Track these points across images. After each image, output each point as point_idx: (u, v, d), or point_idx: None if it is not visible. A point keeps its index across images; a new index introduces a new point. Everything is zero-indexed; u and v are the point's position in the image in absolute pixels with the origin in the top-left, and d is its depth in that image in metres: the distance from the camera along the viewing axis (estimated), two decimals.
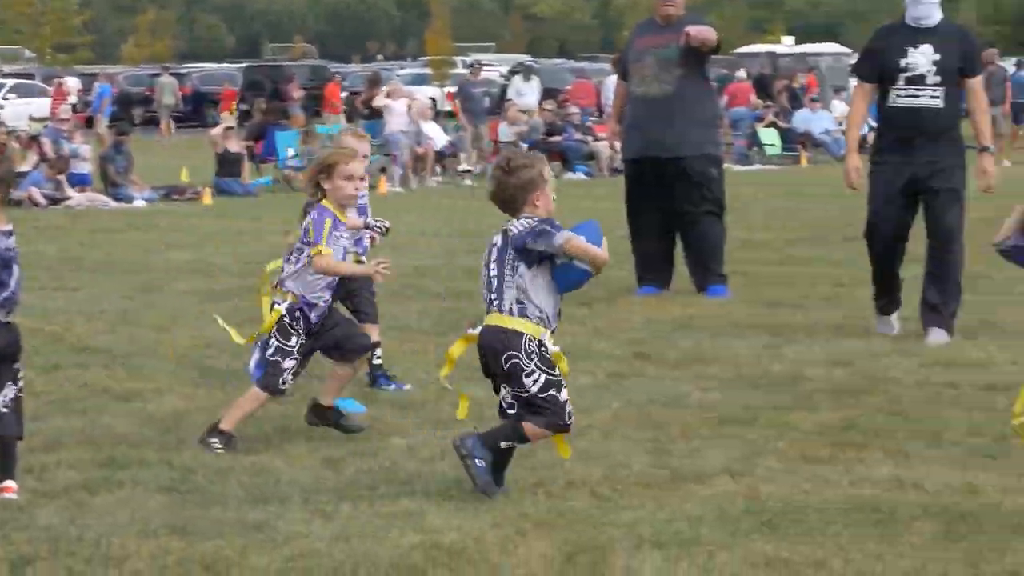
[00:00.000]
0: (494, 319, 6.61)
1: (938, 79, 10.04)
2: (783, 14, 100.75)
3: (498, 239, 6.69)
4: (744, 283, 13.16)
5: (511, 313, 6.55)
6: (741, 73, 42.33)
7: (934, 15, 10.22)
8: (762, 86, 40.78)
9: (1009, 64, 40.31)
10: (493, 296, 6.63)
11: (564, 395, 6.56)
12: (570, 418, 6.60)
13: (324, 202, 7.61)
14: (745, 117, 36.25)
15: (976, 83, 10.28)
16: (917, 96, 10.05)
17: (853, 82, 11.80)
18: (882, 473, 6.89)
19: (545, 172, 6.73)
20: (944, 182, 10.09)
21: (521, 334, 6.52)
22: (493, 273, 6.63)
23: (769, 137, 34.88)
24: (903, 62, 10.10)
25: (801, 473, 6.93)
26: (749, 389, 8.83)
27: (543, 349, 6.53)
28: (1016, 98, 32.89)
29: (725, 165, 13.90)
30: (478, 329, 6.66)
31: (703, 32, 12.10)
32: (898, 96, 10.14)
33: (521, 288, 6.56)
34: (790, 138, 34.94)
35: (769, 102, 38.10)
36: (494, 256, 6.65)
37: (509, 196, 6.70)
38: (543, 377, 6.50)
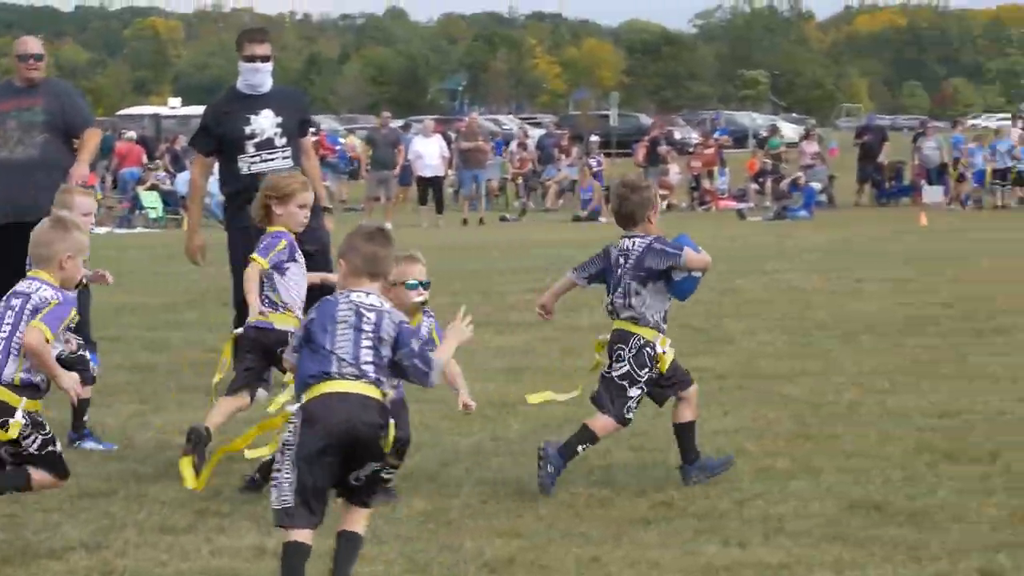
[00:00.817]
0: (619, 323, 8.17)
1: (284, 140, 10.38)
2: (169, 75, 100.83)
3: (622, 256, 8.18)
4: (116, 348, 13.11)
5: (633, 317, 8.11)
6: (131, 134, 42.06)
7: (267, 82, 10.55)
8: (145, 148, 40.75)
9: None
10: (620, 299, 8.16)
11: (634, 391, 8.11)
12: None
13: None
14: (129, 179, 36.16)
15: (307, 143, 10.74)
16: (270, 160, 10.31)
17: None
18: (245, 542, 7.04)
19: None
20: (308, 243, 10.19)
21: (638, 336, 8.11)
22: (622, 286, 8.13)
23: (151, 200, 34.87)
24: (248, 129, 10.34)
25: (160, 545, 7.00)
26: (114, 462, 8.83)
27: (648, 349, 8.06)
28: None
29: (107, 229, 13.78)
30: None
31: None
32: (251, 163, 10.35)
33: (643, 299, 8.11)
34: (173, 201, 35.08)
35: (152, 164, 38.16)
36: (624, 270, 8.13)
37: (629, 212, 8.26)
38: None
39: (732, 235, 27.76)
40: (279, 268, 8.28)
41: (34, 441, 6.65)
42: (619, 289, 8.19)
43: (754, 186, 41.33)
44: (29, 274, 6.97)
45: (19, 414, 6.57)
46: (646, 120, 65.92)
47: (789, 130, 72.56)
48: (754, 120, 79.32)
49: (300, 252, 8.48)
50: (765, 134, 51.95)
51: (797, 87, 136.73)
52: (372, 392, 5.81)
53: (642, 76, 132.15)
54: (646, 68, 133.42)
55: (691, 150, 45.68)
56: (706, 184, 40.99)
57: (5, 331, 6.64)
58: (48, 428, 6.74)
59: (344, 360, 5.80)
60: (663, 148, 41.84)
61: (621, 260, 8.21)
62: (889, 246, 25.17)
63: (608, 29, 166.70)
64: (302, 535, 5.74)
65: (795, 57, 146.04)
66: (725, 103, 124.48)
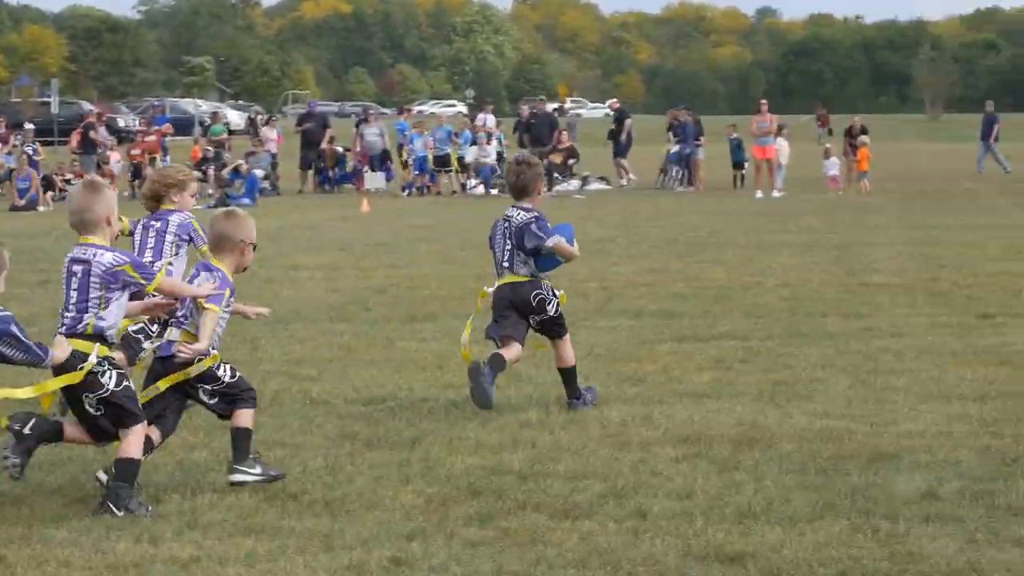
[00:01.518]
0: (511, 278, 10.08)
1: None
2: None
3: (505, 222, 10.10)
4: None
5: (529, 274, 10.05)
6: None
7: None
8: None
9: None
10: (506, 264, 10.11)
11: None
12: None
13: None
14: None
15: None
16: None
17: None
18: None
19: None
20: None
21: (537, 281, 10.09)
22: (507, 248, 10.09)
23: None
24: None
25: None
26: None
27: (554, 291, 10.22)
28: None
29: None
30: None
31: None
32: None
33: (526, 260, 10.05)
34: None
35: None
36: (505, 235, 10.10)
37: (523, 185, 10.21)
38: (557, 303, 10.13)
39: None
40: None
41: (111, 378, 7.57)
42: (504, 254, 10.17)
43: (196, 174, 40.93)
44: (80, 240, 7.76)
45: (92, 356, 7.52)
46: (89, 107, 64.57)
47: (235, 116, 72.60)
48: (199, 107, 78.90)
49: None
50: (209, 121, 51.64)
51: (244, 74, 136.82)
52: None
53: (85, 62, 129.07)
54: (88, 54, 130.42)
55: (133, 138, 45.03)
56: (147, 172, 40.34)
57: (73, 295, 7.62)
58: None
59: None
60: (96, 135, 41.10)
61: (505, 224, 10.14)
62: (328, 233, 25.52)
63: (50, 15, 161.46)
64: None
65: (241, 43, 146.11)
66: (171, 90, 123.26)
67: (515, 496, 7.62)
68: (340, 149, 42.36)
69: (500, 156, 40.43)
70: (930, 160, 56.65)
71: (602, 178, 43.00)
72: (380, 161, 41.37)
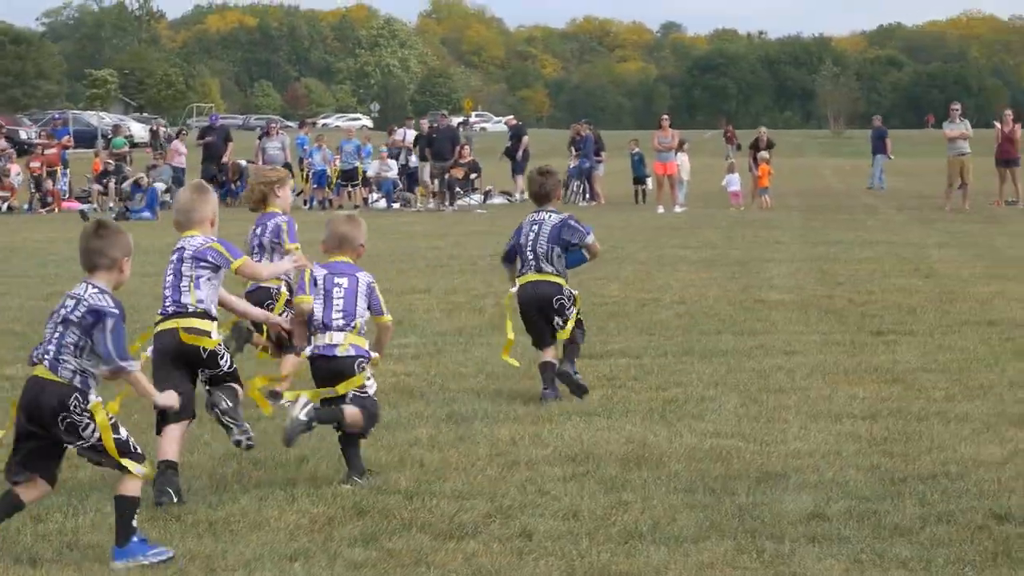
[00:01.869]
0: (534, 276, 11.06)
1: None
2: None
3: (536, 225, 11.12)
4: None
5: (554, 273, 11.05)
6: None
7: None
8: None
9: None
10: (533, 262, 11.09)
11: None
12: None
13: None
14: None
15: None
16: None
17: None
18: None
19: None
20: None
21: (562, 286, 11.02)
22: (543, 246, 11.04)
23: None
24: None
25: None
26: None
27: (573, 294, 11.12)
28: None
29: None
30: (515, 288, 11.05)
31: None
32: None
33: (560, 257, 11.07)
34: None
35: None
36: (537, 234, 11.07)
37: (546, 192, 11.33)
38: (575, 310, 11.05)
39: (73, 237, 27.04)
40: None
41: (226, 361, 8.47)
42: (532, 254, 11.09)
43: (98, 187, 40.61)
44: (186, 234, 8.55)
45: (214, 333, 8.37)
46: None
47: (139, 129, 71.98)
48: (102, 120, 78.18)
49: None
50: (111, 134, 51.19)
51: (148, 86, 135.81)
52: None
53: None
54: None
55: (33, 150, 44.59)
56: (48, 185, 39.90)
57: (169, 279, 8.43)
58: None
59: None
60: None
61: (535, 228, 11.13)
62: None
63: None
64: None
65: (145, 56, 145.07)
66: (75, 102, 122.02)
67: (401, 516, 7.56)
68: (243, 162, 42.09)
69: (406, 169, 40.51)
70: (833, 176, 57.23)
71: (504, 192, 43.07)
72: None
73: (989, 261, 21.02)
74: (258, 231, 11.09)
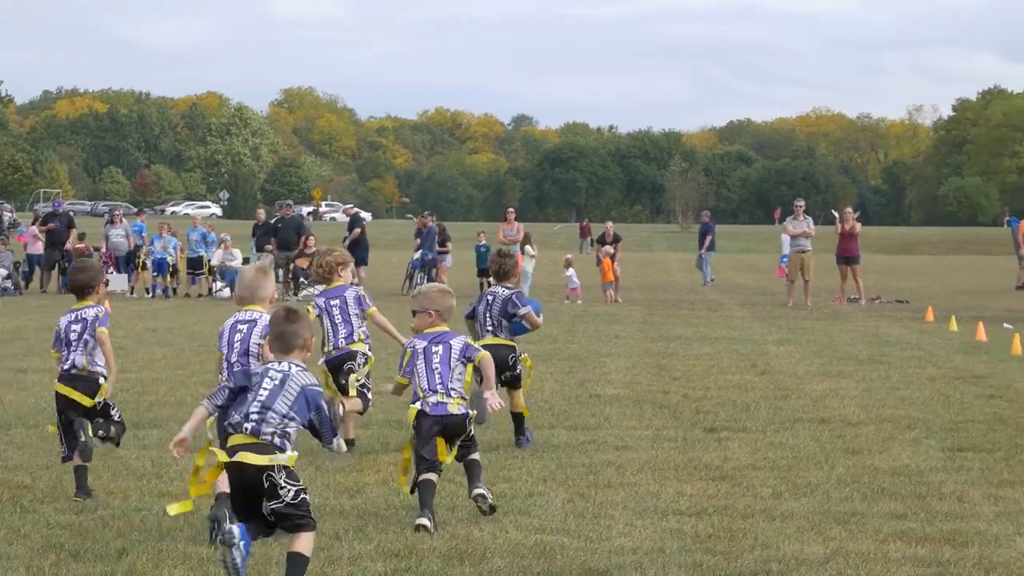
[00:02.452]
0: (491, 340, 13.34)
1: None
2: None
3: (491, 297, 13.66)
4: None
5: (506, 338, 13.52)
6: None
7: None
8: None
9: None
10: (489, 329, 13.52)
11: None
12: None
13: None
14: None
15: None
16: None
17: None
18: None
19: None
20: None
21: (513, 347, 13.44)
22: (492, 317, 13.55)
23: None
24: None
25: None
26: None
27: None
28: None
29: None
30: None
31: None
32: None
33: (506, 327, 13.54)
34: None
35: None
36: (490, 306, 13.59)
37: (505, 271, 13.91)
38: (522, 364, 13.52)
39: None
40: None
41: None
42: (488, 320, 13.65)
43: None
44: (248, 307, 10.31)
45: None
46: None
47: None
48: None
49: None
50: None
51: None
52: None
53: None
54: None
55: None
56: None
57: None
58: None
59: None
60: None
61: (489, 299, 13.71)
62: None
63: None
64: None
65: None
66: None
67: None
68: (87, 248, 41.54)
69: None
70: (679, 270, 57.90)
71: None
72: (126, 262, 40.70)
73: (826, 358, 21.35)
74: (336, 301, 13.13)
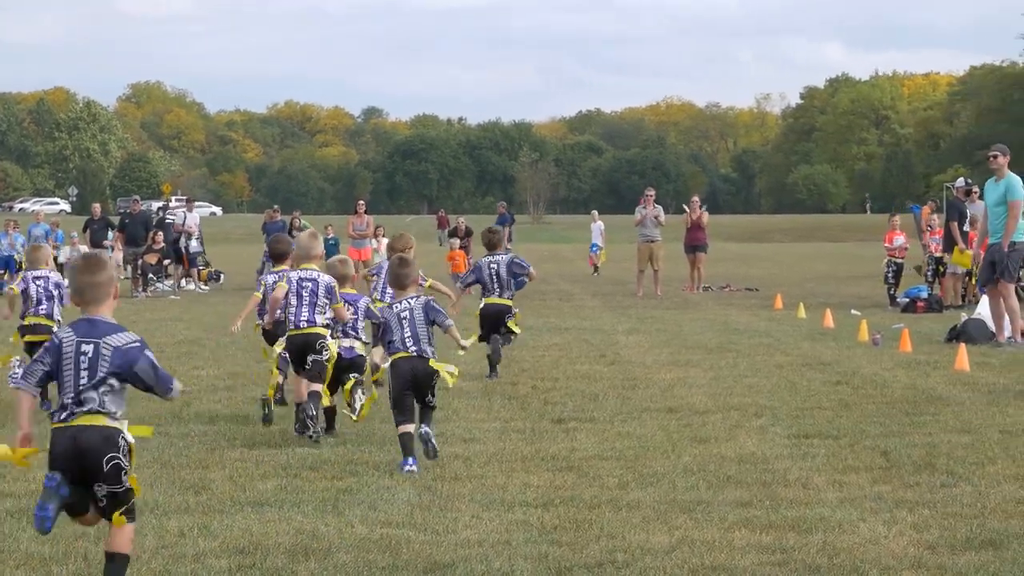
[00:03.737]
0: (496, 300, 17.91)
1: None
2: None
3: (495, 264, 17.95)
4: None
5: (509, 297, 18.11)
6: None
7: None
8: None
9: None
10: (496, 290, 17.93)
11: None
12: None
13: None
14: None
15: None
16: None
17: None
18: None
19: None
20: None
21: (510, 306, 17.93)
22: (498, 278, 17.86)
23: None
24: None
25: None
26: None
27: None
28: None
29: None
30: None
31: None
32: None
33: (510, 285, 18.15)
34: None
35: None
36: (495, 270, 17.95)
37: (495, 243, 18.35)
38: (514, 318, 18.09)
39: None
40: None
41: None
42: (496, 284, 17.80)
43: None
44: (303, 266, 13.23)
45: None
46: None
47: None
48: None
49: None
50: None
51: None
52: None
53: None
54: None
55: None
56: None
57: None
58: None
59: None
60: None
61: (494, 267, 17.81)
62: None
63: None
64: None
65: None
66: None
67: None
68: None
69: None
70: (531, 261, 58.01)
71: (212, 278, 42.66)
72: None
73: (675, 347, 21.55)
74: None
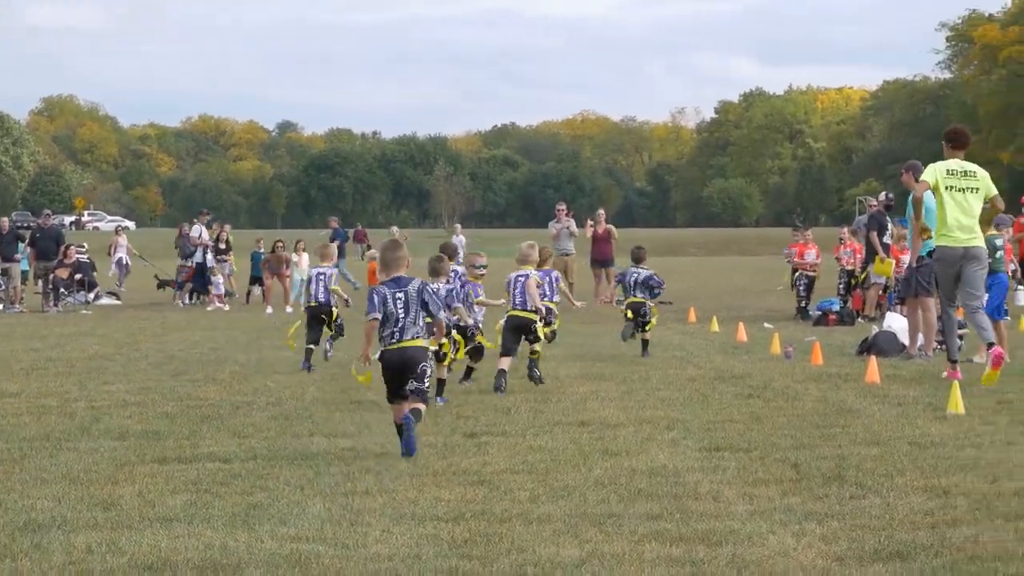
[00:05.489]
0: (520, 312, 18.75)
1: None
2: None
3: (517, 278, 18.75)
4: None
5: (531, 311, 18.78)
6: None
7: None
8: None
9: None
10: (519, 303, 18.69)
11: None
12: None
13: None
14: None
15: None
16: None
17: None
18: None
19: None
20: None
21: (533, 319, 18.87)
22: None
23: None
24: None
25: None
26: None
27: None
28: None
29: None
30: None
31: None
32: None
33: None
34: None
35: None
36: (515, 284, 18.81)
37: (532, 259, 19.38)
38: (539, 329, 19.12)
39: None
40: None
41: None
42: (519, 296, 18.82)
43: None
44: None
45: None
46: None
47: None
48: None
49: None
50: None
51: None
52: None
53: None
54: None
55: None
56: None
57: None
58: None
59: None
60: None
61: (522, 279, 18.76)
62: None
63: None
64: None
65: None
66: None
67: None
68: None
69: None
70: None
71: (112, 293, 42.32)
72: None
73: (588, 361, 21.63)
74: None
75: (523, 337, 18.61)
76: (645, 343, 22.81)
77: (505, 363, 18.18)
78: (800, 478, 11.45)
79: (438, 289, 15.93)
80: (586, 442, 13.50)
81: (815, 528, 9.57)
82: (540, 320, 18.58)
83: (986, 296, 20.10)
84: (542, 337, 18.76)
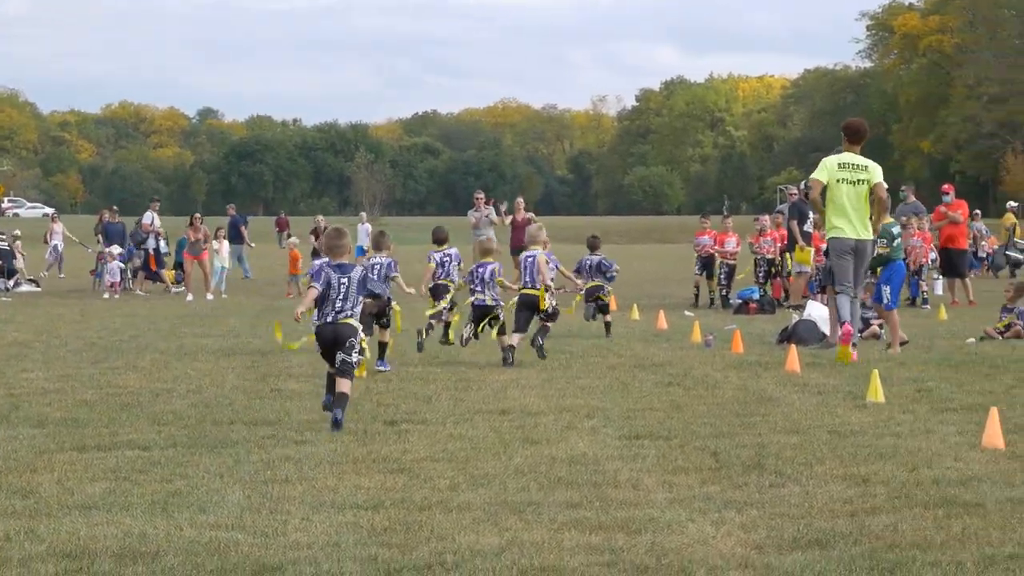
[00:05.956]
0: (529, 290, 20.09)
1: None
2: None
3: (528, 258, 20.26)
4: None
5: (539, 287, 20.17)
6: None
7: None
8: None
9: None
10: (528, 280, 20.15)
11: None
12: None
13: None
14: None
15: None
16: None
17: None
18: None
19: None
20: None
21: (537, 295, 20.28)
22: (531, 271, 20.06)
23: None
24: None
25: None
26: None
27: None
28: None
29: None
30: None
31: None
32: None
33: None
34: None
35: None
36: (528, 264, 20.22)
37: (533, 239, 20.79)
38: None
39: None
40: None
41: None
42: (529, 274, 20.10)
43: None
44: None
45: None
46: None
47: None
48: None
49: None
50: None
51: None
52: None
53: None
54: None
55: None
56: None
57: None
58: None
59: None
60: None
61: (531, 259, 20.04)
62: None
63: None
64: None
65: None
66: None
67: None
68: None
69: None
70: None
71: (32, 280, 41.99)
72: None
73: None
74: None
75: (535, 315, 19.86)
76: (608, 325, 24.04)
77: (515, 339, 19.47)
78: (719, 466, 11.52)
79: (379, 266, 18.73)
80: (506, 430, 13.52)
81: (734, 516, 9.64)
82: (549, 295, 19.78)
83: (888, 288, 20.49)
84: (549, 311, 19.91)
